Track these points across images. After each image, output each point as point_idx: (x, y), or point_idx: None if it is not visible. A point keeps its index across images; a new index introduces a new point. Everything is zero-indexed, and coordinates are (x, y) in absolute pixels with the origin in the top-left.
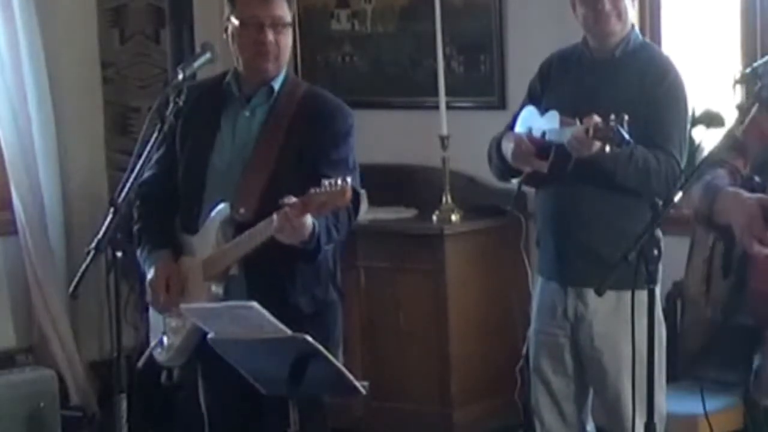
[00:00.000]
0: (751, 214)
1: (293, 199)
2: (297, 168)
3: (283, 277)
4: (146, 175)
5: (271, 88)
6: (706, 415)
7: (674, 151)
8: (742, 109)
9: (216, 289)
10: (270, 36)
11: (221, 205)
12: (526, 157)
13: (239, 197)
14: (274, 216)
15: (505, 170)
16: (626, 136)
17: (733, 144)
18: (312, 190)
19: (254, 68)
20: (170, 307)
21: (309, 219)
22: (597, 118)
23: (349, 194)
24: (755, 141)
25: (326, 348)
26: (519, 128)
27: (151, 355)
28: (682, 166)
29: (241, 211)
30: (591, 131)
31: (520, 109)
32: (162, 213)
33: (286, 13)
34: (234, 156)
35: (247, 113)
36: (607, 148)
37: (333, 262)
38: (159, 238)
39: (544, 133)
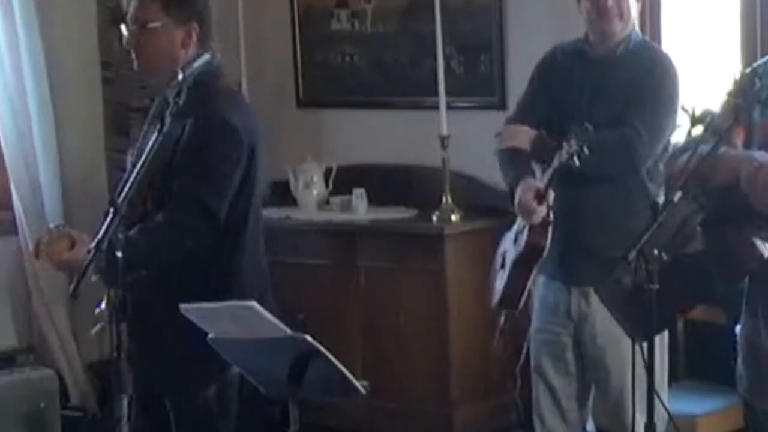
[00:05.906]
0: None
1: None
2: None
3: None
4: None
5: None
6: None
7: (639, 126)
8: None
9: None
10: (126, 33)
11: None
12: (529, 213)
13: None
14: None
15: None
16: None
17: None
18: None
19: None
20: None
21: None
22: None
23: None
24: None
25: None
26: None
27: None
28: (652, 149)
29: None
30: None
31: (522, 97)
32: None
33: (147, 14)
34: None
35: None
36: (555, 163)
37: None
38: None
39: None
